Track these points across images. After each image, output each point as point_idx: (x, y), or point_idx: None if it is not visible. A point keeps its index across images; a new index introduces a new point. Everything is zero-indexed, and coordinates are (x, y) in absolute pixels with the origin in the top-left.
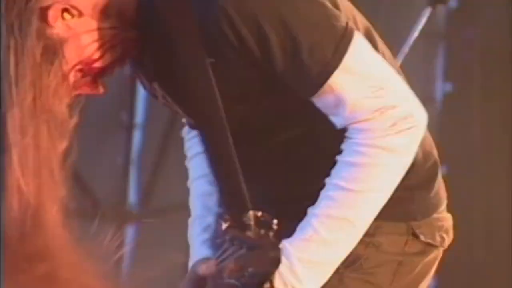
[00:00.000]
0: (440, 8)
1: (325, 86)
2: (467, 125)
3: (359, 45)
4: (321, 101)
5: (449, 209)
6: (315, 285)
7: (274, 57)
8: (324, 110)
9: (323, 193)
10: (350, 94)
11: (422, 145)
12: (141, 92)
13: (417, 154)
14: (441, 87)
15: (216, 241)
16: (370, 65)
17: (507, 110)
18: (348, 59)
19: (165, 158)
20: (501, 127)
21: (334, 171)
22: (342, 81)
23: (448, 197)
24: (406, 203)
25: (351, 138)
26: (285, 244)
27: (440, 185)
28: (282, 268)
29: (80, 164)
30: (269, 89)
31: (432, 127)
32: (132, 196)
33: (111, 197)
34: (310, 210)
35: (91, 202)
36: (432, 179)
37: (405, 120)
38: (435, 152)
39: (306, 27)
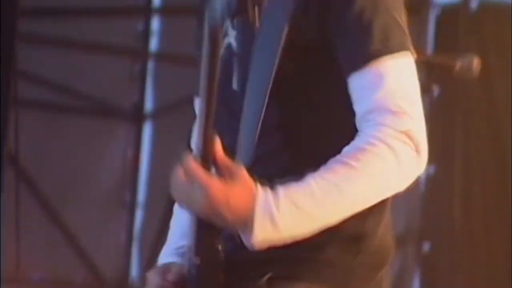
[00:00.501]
0: (424, 97)
1: (376, 62)
2: (449, 205)
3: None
4: (362, 77)
5: (433, 284)
6: (286, 227)
7: (350, 13)
8: (357, 90)
9: (325, 164)
10: (391, 82)
11: (385, 234)
12: (143, 174)
13: (377, 234)
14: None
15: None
16: (413, 84)
17: (488, 193)
18: (404, 59)
19: (165, 236)
20: (482, 207)
21: (342, 152)
22: (390, 68)
23: (431, 273)
24: (342, 270)
25: (367, 129)
26: (278, 186)
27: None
28: (268, 196)
29: (85, 241)
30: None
31: (416, 207)
32: (134, 271)
33: (115, 272)
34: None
35: (95, 277)
36: (376, 267)
37: (418, 144)
38: (392, 250)
39: (391, 12)
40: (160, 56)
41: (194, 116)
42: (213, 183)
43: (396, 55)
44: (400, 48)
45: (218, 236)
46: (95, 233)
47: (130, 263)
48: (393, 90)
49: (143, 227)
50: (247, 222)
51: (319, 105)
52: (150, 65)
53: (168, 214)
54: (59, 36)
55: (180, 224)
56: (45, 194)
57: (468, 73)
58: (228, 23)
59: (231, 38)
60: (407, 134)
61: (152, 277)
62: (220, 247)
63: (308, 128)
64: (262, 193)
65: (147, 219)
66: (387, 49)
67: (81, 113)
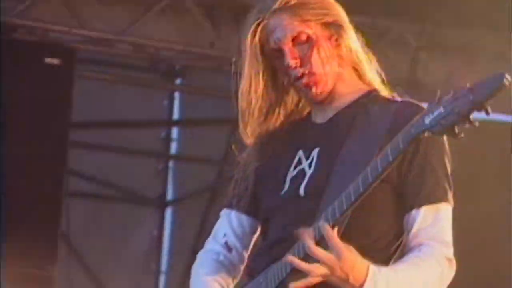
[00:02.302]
0: None
1: (437, 205)
2: None
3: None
4: (422, 214)
5: None
6: None
7: (421, 169)
8: (421, 219)
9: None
10: (444, 223)
11: None
12: (165, 248)
13: None
14: None
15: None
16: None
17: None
18: (449, 207)
19: None
20: None
21: (417, 254)
22: (445, 211)
23: None
24: None
25: (431, 248)
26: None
27: None
28: (375, 273)
29: None
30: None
31: None
32: None
33: None
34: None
35: None
36: None
37: (453, 266)
38: None
39: (444, 169)
40: (179, 157)
41: (206, 205)
42: (346, 256)
43: (450, 201)
44: (450, 200)
45: None
46: None
47: None
48: (445, 228)
49: None
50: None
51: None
52: (171, 164)
53: (186, 280)
54: (102, 143)
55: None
56: (90, 265)
57: None
58: (301, 154)
59: (304, 165)
60: (449, 260)
61: None
62: None
63: (373, 225)
64: (371, 272)
65: (169, 284)
66: (446, 199)
67: (117, 201)
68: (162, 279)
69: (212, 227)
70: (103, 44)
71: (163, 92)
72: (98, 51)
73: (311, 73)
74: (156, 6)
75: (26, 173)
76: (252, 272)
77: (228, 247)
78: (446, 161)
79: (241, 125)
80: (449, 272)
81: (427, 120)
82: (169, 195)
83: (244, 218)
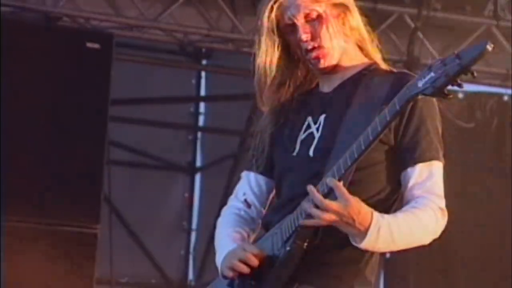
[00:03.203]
0: None
1: (430, 162)
2: None
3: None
4: (418, 170)
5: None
6: (381, 242)
7: (416, 130)
8: (416, 176)
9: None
10: (437, 178)
11: None
12: (195, 209)
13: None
14: None
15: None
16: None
17: None
18: (441, 164)
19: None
20: None
21: (413, 204)
22: (438, 168)
23: (391, 275)
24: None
25: (425, 200)
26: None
27: None
28: (378, 220)
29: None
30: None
31: None
32: (191, 275)
33: (177, 276)
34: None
35: (164, 279)
36: None
37: (445, 216)
38: None
39: (436, 131)
40: (206, 129)
41: (229, 171)
42: (353, 203)
43: (438, 161)
44: (441, 158)
45: (310, 238)
46: (164, 249)
47: (188, 269)
48: (437, 183)
49: (195, 245)
50: (362, 233)
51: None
52: (199, 135)
53: (213, 236)
54: (138, 117)
55: (227, 239)
56: (129, 223)
57: None
58: (310, 119)
59: (313, 129)
60: (442, 209)
61: (233, 253)
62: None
63: (373, 182)
64: (375, 217)
65: (199, 240)
66: (438, 157)
67: (152, 168)
68: (193, 235)
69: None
70: (137, 30)
71: (191, 72)
72: (133, 36)
73: (320, 47)
74: None
75: (72, 144)
76: (267, 226)
77: (247, 204)
78: (438, 124)
79: (258, 94)
80: (442, 220)
81: (420, 84)
82: (198, 163)
83: (261, 178)
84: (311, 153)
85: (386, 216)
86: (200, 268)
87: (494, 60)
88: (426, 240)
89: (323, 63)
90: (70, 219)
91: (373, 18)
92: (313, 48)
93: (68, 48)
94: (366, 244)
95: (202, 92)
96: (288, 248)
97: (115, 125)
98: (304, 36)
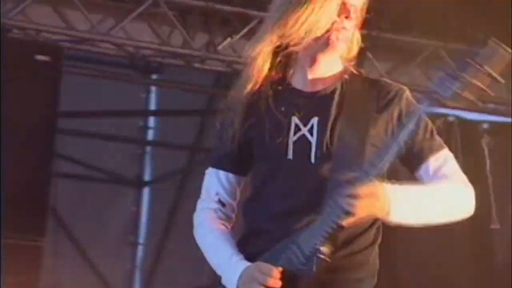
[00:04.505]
0: None
1: (439, 152)
2: None
3: None
4: (432, 162)
5: None
6: (404, 216)
7: (418, 132)
8: (429, 171)
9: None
10: (452, 161)
11: None
12: (143, 223)
13: None
14: None
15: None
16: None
17: None
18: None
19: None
20: None
21: (443, 182)
22: (449, 154)
23: None
24: None
25: (445, 177)
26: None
27: None
28: (399, 194)
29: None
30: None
31: None
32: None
33: None
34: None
35: None
36: None
37: (471, 187)
38: None
39: (430, 125)
40: (155, 143)
41: (178, 185)
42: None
43: (446, 149)
44: (446, 148)
45: (332, 246)
46: (111, 263)
47: (134, 284)
48: (454, 165)
49: (142, 260)
50: (386, 210)
51: None
52: (148, 149)
53: (160, 250)
54: (87, 130)
55: (223, 243)
56: (76, 237)
57: None
58: (297, 121)
59: (304, 131)
60: (467, 185)
61: (251, 277)
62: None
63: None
64: (392, 190)
65: (146, 254)
66: (443, 146)
67: (100, 181)
68: (139, 250)
69: (184, 205)
70: (88, 43)
71: (141, 87)
72: (83, 49)
73: (347, 30)
74: (135, 11)
75: (19, 156)
76: (260, 233)
77: (222, 203)
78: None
79: (239, 88)
80: (470, 190)
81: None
82: (147, 177)
83: (232, 176)
84: (312, 159)
85: (406, 189)
86: (146, 283)
87: None
88: (462, 211)
89: (339, 46)
90: (15, 232)
91: None
92: (343, 28)
93: (17, 60)
94: (393, 218)
95: (152, 106)
96: (316, 262)
97: (63, 138)
98: (353, 15)
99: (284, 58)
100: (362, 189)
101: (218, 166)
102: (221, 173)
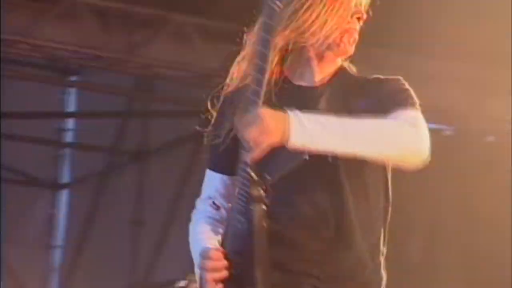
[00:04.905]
0: None
1: (409, 109)
2: None
3: None
4: (404, 111)
5: None
6: (311, 130)
7: (398, 92)
8: (400, 115)
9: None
10: (420, 119)
11: None
12: (60, 225)
13: None
14: None
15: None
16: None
17: None
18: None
19: (75, 266)
20: None
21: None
22: (418, 112)
23: None
24: None
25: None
26: None
27: None
28: (296, 112)
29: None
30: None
31: None
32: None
33: None
34: None
35: None
36: None
37: (420, 127)
38: None
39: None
40: (73, 145)
41: (96, 187)
42: (262, 111)
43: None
44: (418, 106)
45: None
46: (27, 266)
47: (51, 286)
48: (419, 119)
49: (59, 262)
50: (282, 131)
51: None
52: (66, 151)
53: (78, 252)
54: (4, 132)
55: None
56: None
57: None
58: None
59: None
60: (415, 125)
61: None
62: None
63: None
64: (291, 111)
65: (63, 256)
66: (416, 107)
67: (17, 184)
68: (56, 252)
69: (102, 209)
70: (5, 44)
71: (60, 88)
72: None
73: (357, 32)
74: (53, 11)
75: None
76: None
77: (216, 206)
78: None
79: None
80: (415, 129)
81: None
82: (63, 179)
83: (227, 178)
84: (329, 158)
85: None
86: (64, 285)
87: None
88: (400, 146)
89: (351, 50)
90: None
91: None
92: (355, 30)
93: None
94: (294, 138)
95: (71, 108)
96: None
97: None
98: (365, 16)
99: (287, 54)
100: (248, 117)
101: (213, 168)
102: (217, 176)
